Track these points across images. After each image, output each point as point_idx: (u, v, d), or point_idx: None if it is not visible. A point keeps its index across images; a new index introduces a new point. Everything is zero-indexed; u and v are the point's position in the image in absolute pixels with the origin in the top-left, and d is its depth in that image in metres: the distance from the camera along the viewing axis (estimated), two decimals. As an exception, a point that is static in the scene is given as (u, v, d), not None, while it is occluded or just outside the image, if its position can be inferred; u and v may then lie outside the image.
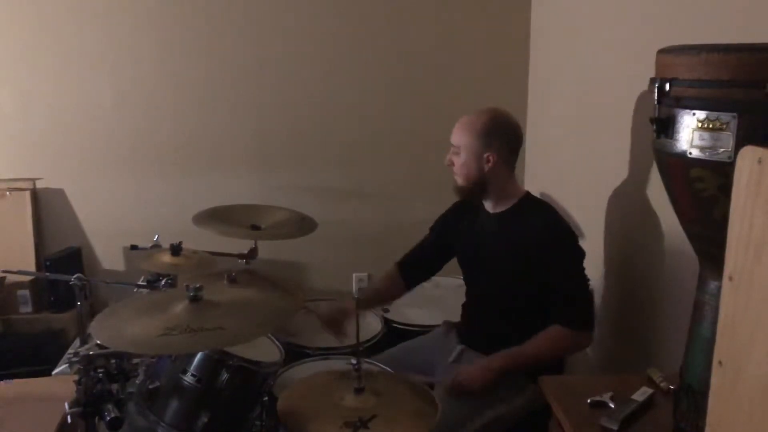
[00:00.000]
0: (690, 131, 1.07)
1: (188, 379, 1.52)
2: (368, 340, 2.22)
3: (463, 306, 2.07)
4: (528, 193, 1.91)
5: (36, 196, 2.87)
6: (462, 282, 2.66)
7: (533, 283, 1.78)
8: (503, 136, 1.84)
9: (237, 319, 1.42)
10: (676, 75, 1.09)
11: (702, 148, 1.06)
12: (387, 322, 2.37)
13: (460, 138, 1.86)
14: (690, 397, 1.20)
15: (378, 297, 2.23)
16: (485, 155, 1.82)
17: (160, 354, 1.55)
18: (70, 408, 1.39)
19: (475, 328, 1.97)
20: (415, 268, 2.17)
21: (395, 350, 2.14)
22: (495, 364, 1.77)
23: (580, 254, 1.80)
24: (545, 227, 1.79)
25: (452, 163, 1.89)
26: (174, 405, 1.52)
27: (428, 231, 2.17)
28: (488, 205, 1.92)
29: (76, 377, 1.41)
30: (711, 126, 1.04)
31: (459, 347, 1.94)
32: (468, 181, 1.87)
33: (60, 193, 2.91)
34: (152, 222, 2.78)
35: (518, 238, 1.81)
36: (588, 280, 1.80)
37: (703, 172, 1.06)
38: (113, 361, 1.44)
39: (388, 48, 2.88)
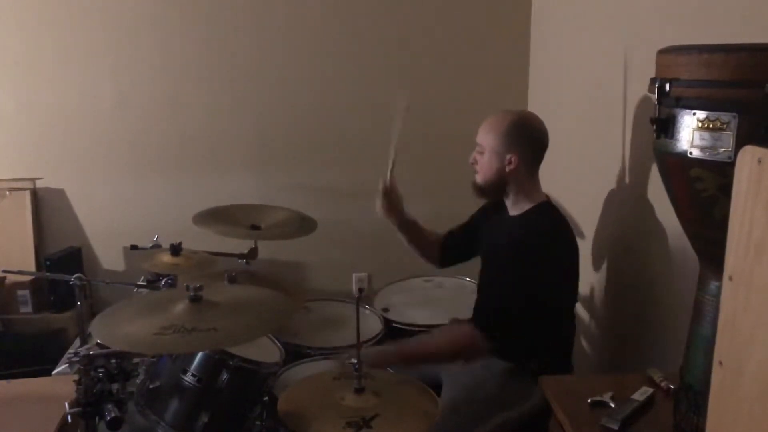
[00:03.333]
0: (690, 131, 1.07)
1: (188, 379, 1.52)
2: (368, 340, 2.22)
3: (474, 309, 2.05)
4: (546, 201, 1.87)
5: (36, 196, 2.87)
6: (462, 282, 2.66)
7: (520, 288, 1.75)
8: (527, 139, 1.83)
9: (233, 321, 1.43)
10: (677, 75, 1.09)
11: (702, 148, 1.06)
12: (387, 322, 2.37)
13: (484, 137, 1.85)
14: (690, 397, 1.20)
15: (421, 235, 2.21)
16: (507, 156, 1.81)
17: (153, 353, 1.55)
18: (70, 408, 1.39)
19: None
20: (451, 249, 2.19)
21: None
22: (392, 356, 1.80)
23: (560, 267, 1.77)
24: (533, 233, 1.77)
25: (476, 161, 1.88)
26: (174, 405, 1.53)
27: (469, 217, 2.17)
28: (509, 208, 1.91)
29: (76, 377, 1.41)
30: (711, 126, 1.04)
31: None
32: (486, 180, 1.86)
33: (60, 193, 2.91)
34: (152, 222, 2.78)
35: (515, 241, 1.80)
36: (527, 307, 1.73)
37: (703, 172, 1.06)
38: (113, 360, 1.44)
39: (388, 48, 2.88)
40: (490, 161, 1.83)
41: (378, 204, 2.13)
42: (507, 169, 1.82)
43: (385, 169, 2.17)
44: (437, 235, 2.22)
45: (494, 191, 1.88)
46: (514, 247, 1.79)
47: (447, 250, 2.20)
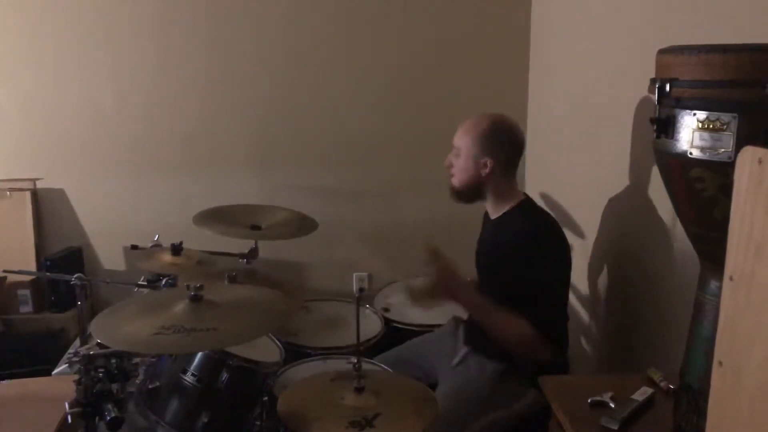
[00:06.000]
0: (690, 131, 1.07)
1: (188, 378, 1.52)
2: (368, 340, 2.22)
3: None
4: (525, 200, 1.88)
5: (36, 196, 2.87)
6: (462, 282, 2.65)
7: (516, 288, 1.75)
8: (503, 144, 1.84)
9: (233, 321, 1.43)
10: (677, 75, 1.09)
11: (702, 149, 1.06)
12: (387, 322, 2.38)
13: (461, 140, 1.86)
14: (690, 397, 1.20)
15: None
16: (482, 160, 1.82)
17: (153, 353, 1.55)
18: (70, 408, 1.39)
19: (479, 329, 1.95)
20: None
21: (400, 349, 2.13)
22: (465, 294, 1.74)
23: (554, 264, 1.77)
24: (520, 233, 1.78)
25: (451, 165, 1.89)
26: (174, 405, 1.52)
27: None
28: (489, 211, 1.93)
29: (76, 377, 1.41)
30: (711, 126, 1.04)
31: (464, 350, 1.93)
32: (462, 183, 1.87)
33: (60, 193, 2.91)
34: (152, 222, 2.78)
35: (501, 243, 1.83)
36: (560, 291, 1.76)
37: (704, 172, 1.06)
38: (113, 360, 1.45)
39: (388, 48, 2.88)
40: (466, 164, 1.84)
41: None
42: (482, 173, 1.83)
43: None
44: None
45: (470, 195, 1.89)
46: (500, 249, 1.81)
47: None
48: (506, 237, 1.81)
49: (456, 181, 1.89)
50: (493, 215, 1.91)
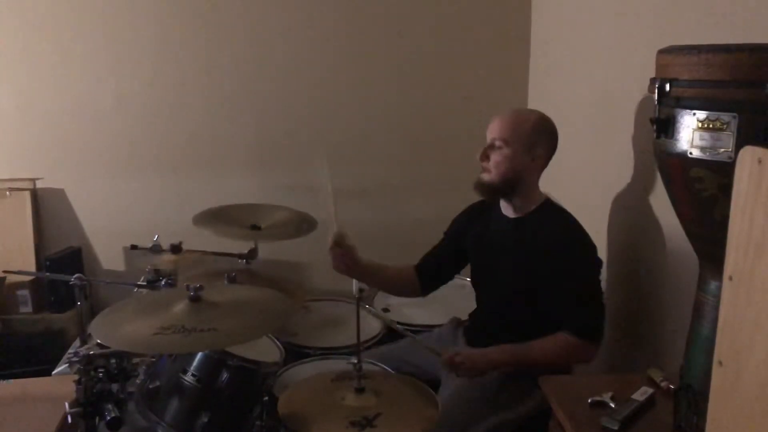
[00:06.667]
0: (690, 131, 1.07)
1: (188, 378, 1.52)
2: (368, 341, 2.22)
3: (472, 313, 2.03)
4: (548, 200, 1.85)
5: (36, 196, 2.87)
6: (463, 282, 2.65)
7: (547, 291, 1.74)
8: (550, 138, 1.81)
9: (233, 321, 1.43)
10: (677, 75, 1.09)
11: (702, 148, 1.06)
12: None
13: (509, 132, 1.76)
14: (690, 397, 1.21)
15: (386, 275, 2.13)
16: (535, 151, 1.77)
17: (153, 353, 1.55)
18: (70, 408, 1.39)
19: (483, 335, 1.92)
20: (431, 274, 2.10)
21: (398, 345, 2.12)
22: (497, 358, 1.74)
23: (597, 265, 1.76)
24: (563, 234, 1.74)
25: (487, 158, 1.79)
26: (174, 405, 1.52)
27: (443, 235, 2.10)
28: (507, 209, 1.86)
29: (76, 377, 1.41)
30: (711, 126, 1.04)
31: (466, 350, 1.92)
32: (501, 177, 1.77)
33: (60, 193, 2.91)
34: (152, 222, 2.78)
35: (536, 244, 1.75)
36: (602, 292, 1.76)
37: (703, 172, 1.07)
38: (113, 360, 1.45)
39: (388, 48, 2.88)
40: (513, 156, 1.75)
41: (333, 260, 1.99)
42: (529, 166, 1.78)
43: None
44: (406, 269, 2.12)
45: (505, 189, 1.80)
46: (571, 245, 1.73)
47: (426, 279, 2.10)
48: (552, 235, 1.74)
49: (491, 175, 1.78)
50: (514, 213, 1.84)
